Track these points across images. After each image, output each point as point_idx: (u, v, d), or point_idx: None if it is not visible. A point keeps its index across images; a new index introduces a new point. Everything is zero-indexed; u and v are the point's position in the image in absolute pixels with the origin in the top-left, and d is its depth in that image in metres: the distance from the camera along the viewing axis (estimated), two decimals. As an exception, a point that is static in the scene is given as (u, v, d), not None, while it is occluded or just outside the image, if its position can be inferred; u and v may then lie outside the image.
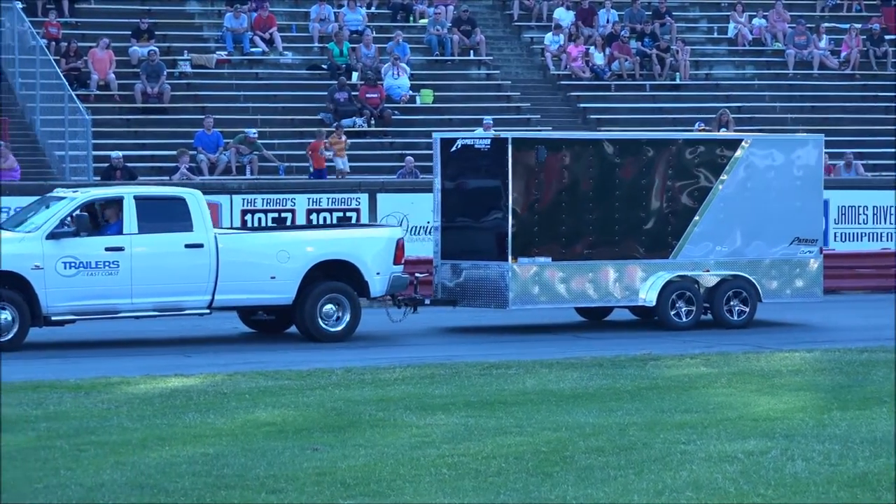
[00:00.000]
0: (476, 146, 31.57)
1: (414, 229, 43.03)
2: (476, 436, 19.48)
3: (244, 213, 39.63)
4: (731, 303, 31.75)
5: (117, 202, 29.81)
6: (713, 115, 45.64)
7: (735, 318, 31.84)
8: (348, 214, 40.42)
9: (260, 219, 41.32)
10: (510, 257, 30.60)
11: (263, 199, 40.49)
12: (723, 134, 36.79)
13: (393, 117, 49.50)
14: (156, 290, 29.76)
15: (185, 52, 50.61)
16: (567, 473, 17.14)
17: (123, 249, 29.40)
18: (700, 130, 42.95)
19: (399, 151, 47.19)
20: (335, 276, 30.33)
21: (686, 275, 31.67)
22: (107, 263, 29.17)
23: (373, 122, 47.64)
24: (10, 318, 28.52)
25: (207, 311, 29.62)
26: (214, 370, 25.68)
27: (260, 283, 30.02)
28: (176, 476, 16.58)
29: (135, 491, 16.04)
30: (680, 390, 24.01)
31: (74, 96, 44.97)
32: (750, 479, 16.54)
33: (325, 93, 49.12)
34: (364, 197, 40.58)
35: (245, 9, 48.91)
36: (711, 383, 24.41)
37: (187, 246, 29.79)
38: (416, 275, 31.50)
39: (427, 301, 31.32)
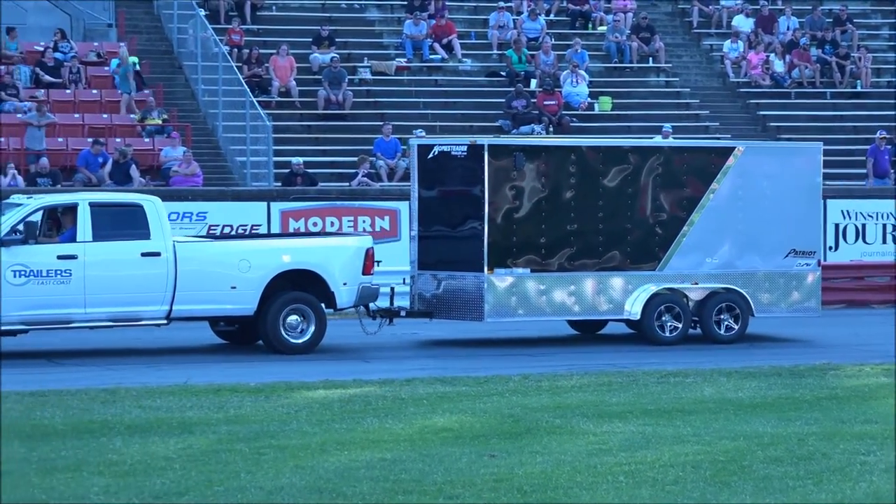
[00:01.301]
0: (453, 153, 30.95)
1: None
2: (653, 444, 19.22)
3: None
4: (722, 316, 31.05)
5: (72, 209, 29.20)
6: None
7: (724, 332, 31.29)
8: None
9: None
10: (486, 268, 30.10)
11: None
12: (714, 141, 36.13)
13: (571, 124, 49.19)
14: (110, 299, 29.20)
15: (365, 59, 51.27)
16: (745, 483, 16.87)
17: (76, 258, 28.90)
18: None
19: (577, 158, 44.64)
20: (301, 286, 29.74)
21: (674, 287, 30.89)
22: (59, 272, 28.81)
23: (551, 129, 46.40)
24: None
25: (165, 321, 29.12)
26: (393, 376, 25.63)
27: (220, 293, 29.49)
28: (354, 480, 16.68)
29: (313, 494, 16.15)
30: (860, 400, 23.44)
31: (256, 103, 45.52)
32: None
33: (503, 100, 48.75)
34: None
35: (424, 16, 49.27)
36: (891, 393, 23.46)
37: (144, 254, 29.34)
38: (393, 286, 30.90)
39: (403, 313, 30.66)
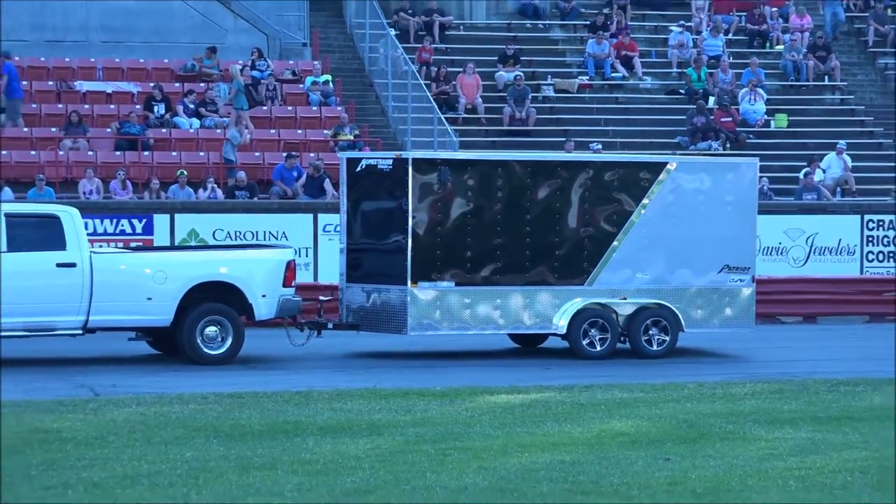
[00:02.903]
0: (379, 166, 30.35)
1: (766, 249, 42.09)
2: (822, 450, 19.27)
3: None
4: (651, 332, 30.23)
5: None
6: None
7: (654, 347, 30.41)
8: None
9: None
10: (409, 281, 29.45)
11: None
12: (645, 157, 34.93)
13: (748, 141, 48.98)
14: (25, 309, 28.50)
15: (549, 76, 51.51)
16: None
17: None
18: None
19: (752, 175, 44.64)
20: (220, 298, 29.14)
21: (602, 302, 29.89)
22: None
23: (728, 145, 46.28)
24: None
25: (81, 332, 28.54)
26: (572, 382, 25.78)
27: (136, 303, 28.83)
28: (534, 481, 16.84)
29: (496, 494, 16.41)
30: None
31: (443, 119, 46.03)
32: None
33: (683, 116, 48.99)
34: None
35: (606, 35, 49.66)
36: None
37: (59, 265, 28.69)
38: (321, 298, 30.74)
39: (330, 325, 30.27)
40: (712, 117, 46.42)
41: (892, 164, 46.70)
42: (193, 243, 37.35)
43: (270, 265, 29.56)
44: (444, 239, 29.49)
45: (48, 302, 28.15)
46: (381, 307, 29.60)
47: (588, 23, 50.19)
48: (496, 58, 49.87)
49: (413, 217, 29.15)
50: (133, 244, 37.50)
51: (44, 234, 28.58)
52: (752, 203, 31.48)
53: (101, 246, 33.86)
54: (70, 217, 28.53)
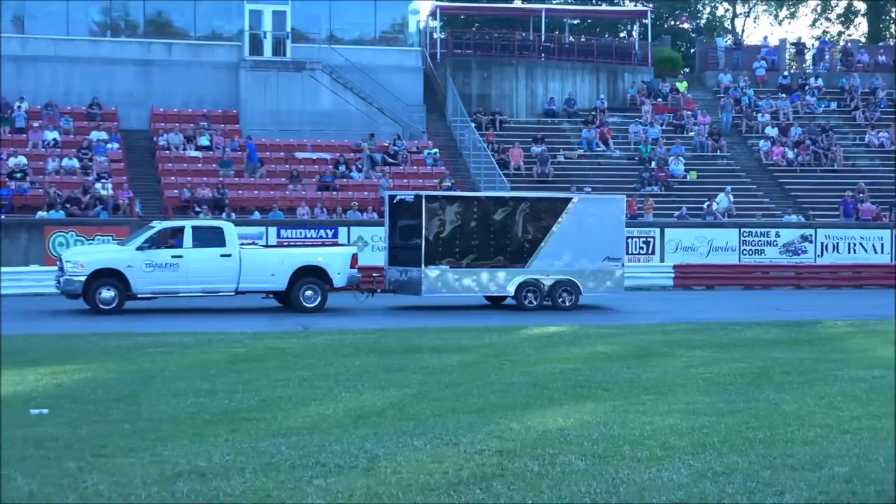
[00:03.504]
0: (406, 199, 32.33)
1: (684, 247, 41.60)
2: (718, 363, 19.42)
3: None
4: (563, 295, 32.16)
5: (181, 229, 30.20)
6: None
7: (564, 304, 31.92)
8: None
9: None
10: (423, 265, 31.22)
11: None
12: (557, 195, 36.64)
13: (675, 186, 50.56)
14: (202, 280, 29.29)
15: (560, 150, 52.34)
16: (770, 384, 17.37)
17: (182, 257, 29.66)
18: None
19: None
20: (313, 274, 30.64)
21: (535, 278, 32.04)
22: (171, 265, 29.31)
23: (662, 188, 49.75)
24: None
25: (234, 294, 29.93)
26: (546, 323, 25.01)
27: (265, 277, 30.22)
28: (553, 380, 17.18)
29: (530, 387, 16.62)
30: (832, 341, 23.78)
31: (501, 174, 46.83)
32: (875, 392, 16.28)
33: (636, 172, 48.90)
34: None
35: (594, 126, 54.54)
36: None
37: (221, 255, 29.36)
38: (374, 274, 32.98)
39: (379, 290, 32.38)
40: (654, 172, 45.44)
41: (754, 199, 45.81)
42: (359, 244, 38.44)
43: (343, 255, 31.52)
44: (442, 241, 31.73)
45: (215, 276, 29.93)
46: (408, 280, 32.16)
47: (583, 119, 49.72)
48: (531, 139, 51.88)
49: (425, 229, 31.51)
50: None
51: (213, 238, 30.19)
52: (621, 220, 33.88)
53: (300, 246, 34.64)
54: (229, 227, 30.92)
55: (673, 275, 40.82)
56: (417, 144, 49.44)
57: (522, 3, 71.69)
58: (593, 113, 53.90)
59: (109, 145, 46.27)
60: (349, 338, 23.20)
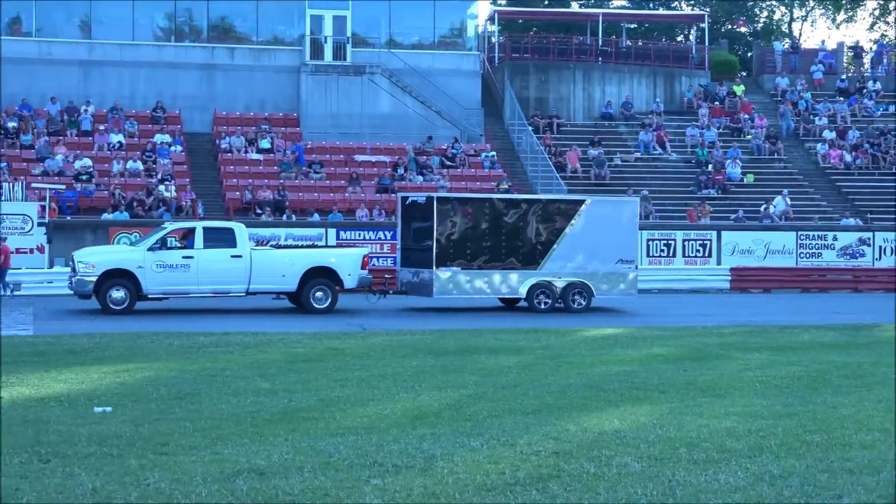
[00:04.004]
0: (418, 201, 32.07)
1: (741, 250, 42.23)
2: (775, 366, 19.31)
3: None
4: (575, 297, 31.62)
5: (193, 230, 30.18)
6: None
7: (576, 307, 31.45)
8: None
9: None
10: (434, 266, 30.90)
11: None
12: (571, 196, 36.86)
13: (731, 189, 51.87)
14: (213, 280, 29.21)
15: (617, 153, 51.84)
16: (827, 387, 17.08)
17: (193, 257, 29.46)
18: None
19: None
20: (323, 275, 30.47)
21: (547, 279, 31.18)
22: (182, 265, 29.22)
23: (719, 192, 47.76)
24: None
25: (244, 294, 29.83)
26: (589, 326, 25.66)
27: (275, 278, 30.09)
28: (609, 382, 17.16)
29: (586, 389, 16.55)
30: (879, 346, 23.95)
31: (558, 177, 46.40)
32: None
33: (693, 175, 48.41)
34: None
35: (651, 129, 54.55)
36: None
37: (232, 256, 29.23)
38: (386, 276, 32.92)
39: (391, 291, 32.25)
40: (710, 176, 44.95)
41: (811, 202, 45.36)
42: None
43: (353, 257, 31.22)
44: (454, 243, 31.42)
45: (226, 277, 29.87)
46: (420, 282, 31.85)
47: (640, 122, 49.30)
48: (588, 142, 52.12)
49: (436, 230, 31.22)
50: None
51: (224, 238, 30.06)
52: (634, 223, 33.41)
53: (361, 247, 34.31)
54: (240, 229, 30.71)
55: (730, 277, 40.42)
56: (475, 147, 49.51)
57: (580, 7, 71.35)
58: (650, 116, 53.67)
59: (173, 148, 46.61)
60: (407, 338, 23.27)
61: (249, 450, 11.67)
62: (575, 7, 73.04)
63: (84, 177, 42.86)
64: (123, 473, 10.49)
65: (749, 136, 52.85)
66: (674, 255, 42.22)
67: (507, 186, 45.14)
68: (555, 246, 31.61)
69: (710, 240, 42.30)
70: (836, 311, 32.21)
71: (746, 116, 54.26)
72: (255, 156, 46.82)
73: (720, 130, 53.22)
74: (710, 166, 49.61)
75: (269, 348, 21.18)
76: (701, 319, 29.08)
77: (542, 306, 31.34)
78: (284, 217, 42.00)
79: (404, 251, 32.46)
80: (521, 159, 50.23)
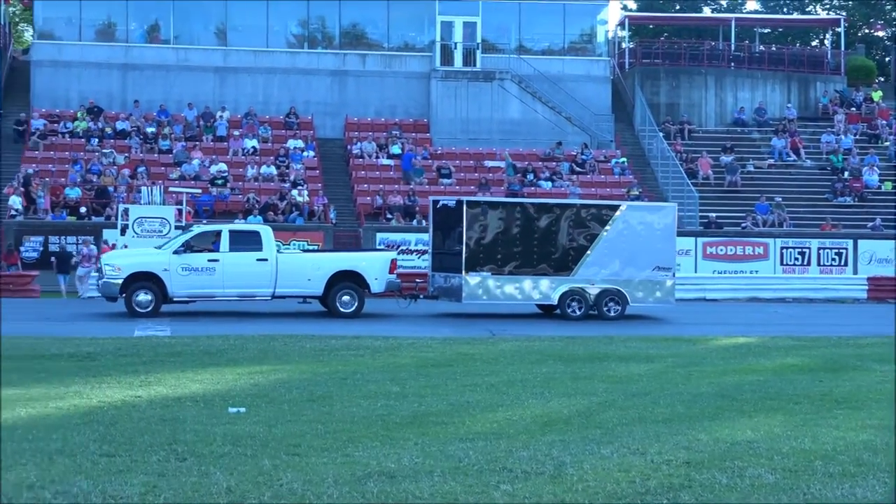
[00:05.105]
0: (448, 205, 31.83)
1: (881, 260, 41.21)
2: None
3: None
4: (609, 304, 30.98)
5: (218, 233, 30.04)
6: None
7: (610, 314, 30.87)
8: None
9: None
10: (464, 271, 30.58)
11: None
12: (605, 201, 35.71)
13: (868, 197, 50.88)
14: (239, 284, 28.99)
15: (750, 159, 54.30)
16: None
17: (219, 261, 29.21)
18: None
19: None
20: (350, 279, 30.24)
21: (580, 286, 30.44)
22: (207, 269, 29.13)
23: (856, 199, 46.93)
24: None
25: (270, 298, 29.70)
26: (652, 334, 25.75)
27: (301, 282, 29.99)
28: (741, 391, 16.78)
29: (718, 399, 16.33)
30: None
31: (689, 183, 45.97)
32: None
33: (829, 183, 47.26)
34: None
35: (785, 135, 52.23)
36: None
37: (258, 259, 29.14)
38: (417, 280, 32.42)
39: (422, 296, 31.52)
40: (847, 183, 43.90)
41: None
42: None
43: (381, 261, 31.09)
44: (484, 247, 31.14)
45: (251, 281, 29.77)
46: (450, 286, 31.60)
47: (773, 129, 48.15)
48: (720, 148, 51.12)
49: (467, 235, 31.01)
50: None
51: (250, 242, 29.99)
52: (672, 229, 32.68)
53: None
54: (266, 232, 30.65)
55: (867, 287, 39.78)
56: (605, 153, 49.36)
57: (712, 12, 70.75)
58: (784, 122, 52.93)
59: (305, 153, 47.18)
60: (536, 344, 23.28)
61: (380, 453, 11.73)
62: (707, 12, 72.14)
63: (219, 181, 43.60)
64: (257, 473, 10.60)
65: (887, 143, 51.90)
66: (808, 264, 41.87)
67: (637, 193, 44.71)
68: (588, 252, 31.07)
69: (846, 248, 41.83)
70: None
71: (884, 122, 53.31)
72: (385, 161, 47.17)
73: (857, 137, 52.30)
74: (846, 173, 48.76)
75: (400, 352, 21.32)
76: (835, 329, 28.37)
77: (574, 313, 30.81)
78: (414, 222, 42.08)
79: (436, 255, 32.22)
80: (651, 165, 49.91)
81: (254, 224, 34.90)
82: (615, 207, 32.14)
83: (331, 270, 30.17)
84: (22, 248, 38.60)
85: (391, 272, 30.66)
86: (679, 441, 12.69)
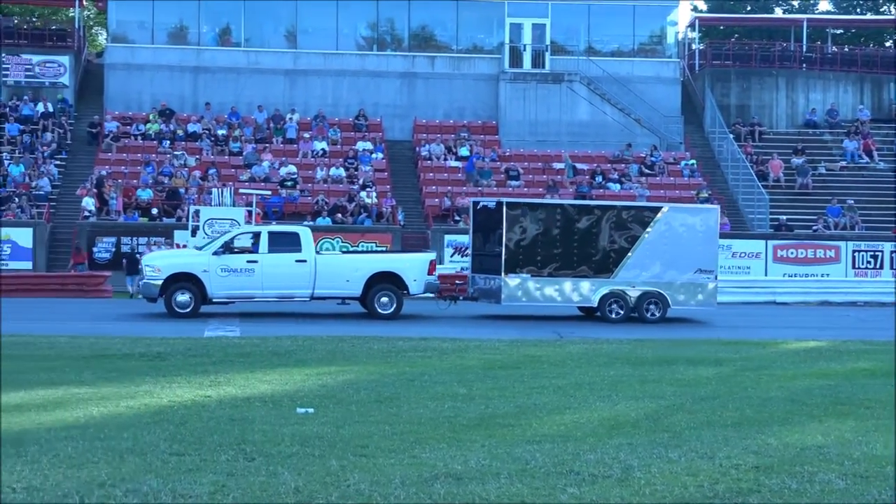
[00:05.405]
0: (489, 206, 31.64)
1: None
2: None
3: None
4: (650, 307, 30.53)
5: (258, 234, 29.88)
6: None
7: (651, 317, 30.44)
8: None
9: None
10: (503, 273, 30.28)
11: None
12: (647, 203, 35.88)
13: None
14: (278, 285, 28.94)
15: (822, 161, 50.84)
16: None
17: (258, 262, 29.17)
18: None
19: None
20: (388, 280, 30.18)
21: (620, 289, 29.96)
22: (246, 270, 29.06)
23: None
24: None
25: (308, 299, 29.63)
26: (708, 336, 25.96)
27: (340, 283, 29.87)
28: (811, 396, 16.67)
29: (787, 403, 16.11)
30: None
31: (760, 185, 45.38)
32: None
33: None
34: None
35: (857, 137, 51.42)
36: None
37: (297, 261, 29.05)
38: (457, 281, 32.55)
39: (461, 298, 31.35)
40: (923, 186, 44.15)
41: None
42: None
43: (419, 262, 30.87)
44: (524, 249, 30.86)
45: (290, 282, 29.66)
46: (489, 288, 31.35)
47: (845, 130, 47.60)
48: (791, 150, 49.20)
49: (506, 236, 30.77)
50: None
51: (289, 243, 29.87)
52: (715, 231, 32.35)
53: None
54: (306, 233, 30.57)
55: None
56: (674, 155, 49.16)
57: (784, 13, 70.27)
58: (856, 124, 52.35)
59: (374, 155, 47.40)
60: (604, 347, 23.19)
61: (447, 454, 11.74)
62: (778, 13, 71.76)
63: (289, 183, 43.91)
64: (325, 474, 10.64)
65: (967, 148, 55.05)
66: (881, 267, 41.46)
67: (706, 195, 44.56)
68: (629, 254, 30.67)
69: (924, 253, 44.40)
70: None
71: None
72: (454, 163, 47.39)
73: (933, 139, 55.69)
74: (922, 176, 51.74)
75: (467, 354, 21.32)
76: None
77: (615, 316, 30.47)
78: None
79: (476, 257, 31.92)
80: (721, 167, 49.72)
81: (292, 225, 34.65)
82: (657, 209, 31.81)
83: (369, 272, 30.14)
84: (94, 249, 38.96)
85: (430, 273, 30.51)
86: (748, 445, 12.59)
